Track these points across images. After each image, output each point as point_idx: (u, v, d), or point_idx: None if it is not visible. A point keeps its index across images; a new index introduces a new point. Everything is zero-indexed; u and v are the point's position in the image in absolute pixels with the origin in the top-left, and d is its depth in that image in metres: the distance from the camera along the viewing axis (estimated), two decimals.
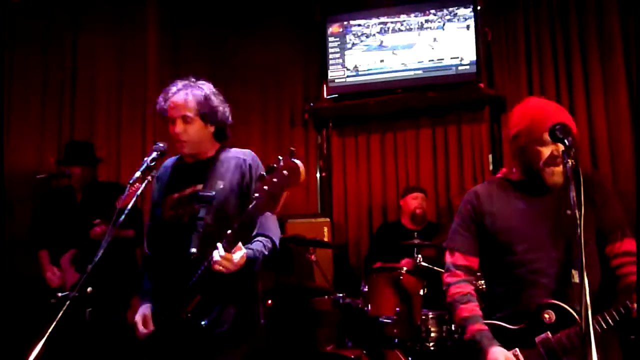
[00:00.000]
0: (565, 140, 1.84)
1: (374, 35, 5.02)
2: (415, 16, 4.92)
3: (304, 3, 5.36)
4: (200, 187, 2.25)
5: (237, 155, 2.33)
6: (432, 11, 4.88)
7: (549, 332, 1.92)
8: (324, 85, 5.16)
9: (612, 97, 4.42)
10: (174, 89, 2.29)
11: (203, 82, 2.35)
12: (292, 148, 1.77)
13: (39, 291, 3.67)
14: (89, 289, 2.82)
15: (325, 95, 5.17)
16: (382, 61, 4.97)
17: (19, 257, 4.04)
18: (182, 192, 2.29)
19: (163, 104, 2.28)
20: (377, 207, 5.15)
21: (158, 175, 2.41)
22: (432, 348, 3.51)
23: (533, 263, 2.00)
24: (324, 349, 3.89)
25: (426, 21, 4.90)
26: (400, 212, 4.72)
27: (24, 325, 3.50)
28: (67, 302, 1.89)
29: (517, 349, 1.96)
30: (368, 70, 5.04)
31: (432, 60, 4.88)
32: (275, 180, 1.78)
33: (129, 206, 2.16)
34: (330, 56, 5.13)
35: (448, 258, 2.19)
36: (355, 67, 5.07)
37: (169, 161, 2.46)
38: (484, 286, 3.22)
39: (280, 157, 1.78)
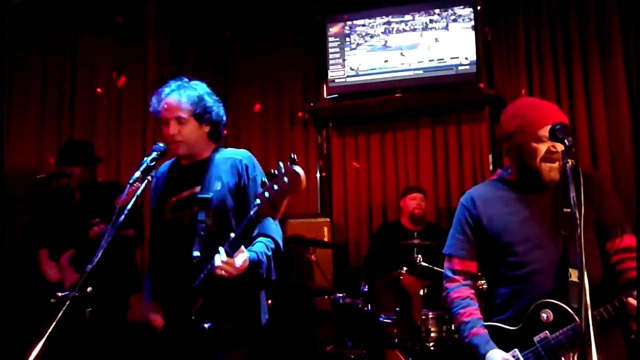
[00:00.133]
0: (566, 141, 1.84)
1: (378, 35, 5.01)
2: (420, 16, 4.92)
3: (304, 3, 5.36)
4: (197, 189, 2.25)
5: (233, 155, 2.32)
6: (437, 11, 4.87)
7: (547, 332, 1.92)
8: (324, 85, 5.16)
9: (612, 97, 4.42)
10: (167, 89, 2.27)
11: (196, 82, 2.33)
12: (293, 155, 1.76)
13: (39, 291, 3.66)
14: (89, 289, 2.82)
15: (325, 95, 5.17)
16: (386, 61, 4.96)
17: (19, 257, 4.04)
18: (179, 195, 2.29)
19: (157, 106, 2.26)
20: (377, 207, 5.16)
21: (155, 179, 2.40)
22: (432, 348, 3.51)
23: (533, 263, 2.00)
24: (324, 349, 3.89)
25: (430, 21, 4.89)
26: (400, 212, 4.72)
27: (24, 325, 3.50)
28: (67, 302, 1.89)
29: (516, 350, 1.96)
30: (368, 70, 5.04)
31: (432, 60, 4.88)
32: (275, 187, 1.77)
33: (129, 206, 2.16)
34: (330, 56, 5.13)
35: (446, 264, 2.20)
36: (356, 67, 5.07)
37: (165, 165, 2.44)
38: (485, 286, 3.24)
39: (281, 164, 1.77)
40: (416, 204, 4.54)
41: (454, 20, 4.84)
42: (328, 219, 4.85)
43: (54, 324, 1.81)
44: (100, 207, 3.48)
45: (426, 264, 3.77)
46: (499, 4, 4.92)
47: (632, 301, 1.80)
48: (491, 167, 4.81)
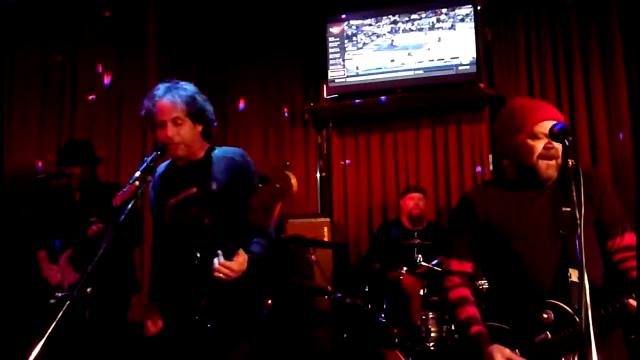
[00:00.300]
0: (566, 141, 1.83)
1: (384, 35, 5.01)
2: (427, 17, 4.92)
3: (304, 3, 5.36)
4: (194, 189, 2.25)
5: (227, 154, 2.32)
6: (444, 10, 4.86)
7: (548, 332, 1.92)
8: (324, 85, 5.16)
9: (612, 97, 4.42)
10: (159, 92, 2.26)
11: (186, 82, 2.33)
12: (286, 162, 1.77)
13: (39, 291, 3.66)
14: (88, 289, 2.82)
15: (325, 95, 5.17)
16: (392, 61, 4.95)
17: (19, 257, 4.04)
18: (177, 196, 2.29)
19: (151, 108, 2.25)
20: (377, 207, 5.15)
21: (152, 182, 2.40)
22: (432, 348, 3.51)
23: (532, 263, 1.99)
24: (324, 349, 3.89)
25: (438, 20, 4.88)
26: (400, 212, 4.72)
27: (24, 325, 3.50)
28: (67, 302, 1.89)
29: (516, 350, 1.96)
30: (368, 70, 5.04)
31: (432, 60, 4.88)
32: (268, 193, 1.77)
33: (129, 206, 2.16)
34: (330, 56, 5.13)
35: (444, 264, 2.21)
36: (355, 67, 5.07)
37: (160, 168, 2.43)
38: (485, 286, 3.24)
39: (274, 168, 1.78)
40: (414, 204, 4.53)
41: (462, 20, 4.82)
42: (328, 219, 4.85)
43: (54, 324, 1.81)
44: (99, 207, 3.48)
45: (426, 264, 3.77)
46: (499, 4, 4.92)
47: (633, 302, 1.80)
48: (491, 167, 4.82)
